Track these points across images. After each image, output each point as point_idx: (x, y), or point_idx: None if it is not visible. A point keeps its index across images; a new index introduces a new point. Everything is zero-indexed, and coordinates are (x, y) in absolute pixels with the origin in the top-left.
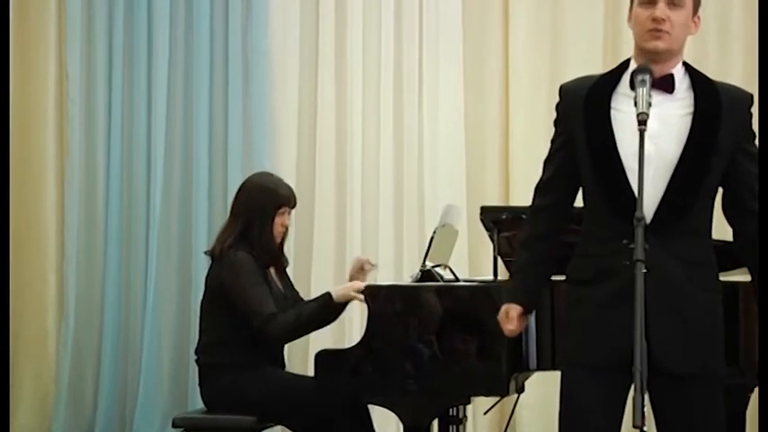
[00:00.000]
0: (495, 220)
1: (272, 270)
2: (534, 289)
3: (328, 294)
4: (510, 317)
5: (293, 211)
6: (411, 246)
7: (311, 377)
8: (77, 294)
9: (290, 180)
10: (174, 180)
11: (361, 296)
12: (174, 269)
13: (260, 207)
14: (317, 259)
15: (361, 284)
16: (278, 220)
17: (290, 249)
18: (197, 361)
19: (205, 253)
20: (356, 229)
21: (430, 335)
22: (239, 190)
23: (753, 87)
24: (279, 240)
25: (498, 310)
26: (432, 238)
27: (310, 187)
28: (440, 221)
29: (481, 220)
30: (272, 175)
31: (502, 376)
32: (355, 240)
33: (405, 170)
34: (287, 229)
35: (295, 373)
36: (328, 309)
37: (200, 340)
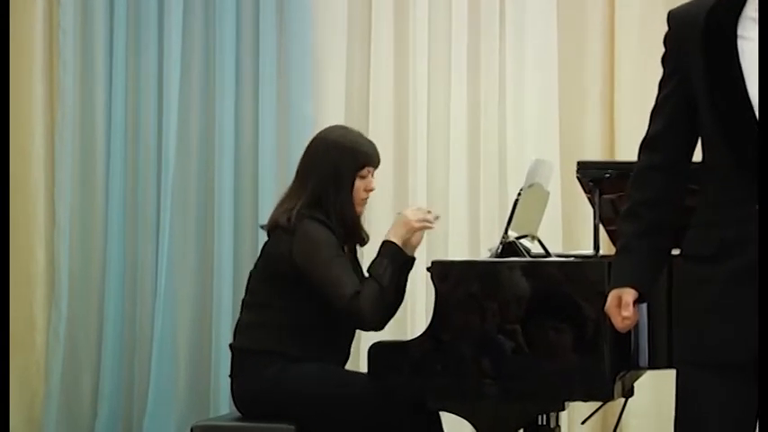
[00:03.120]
0: (597, 178)
1: (345, 248)
2: (649, 268)
3: (395, 246)
4: (624, 302)
5: None
6: (489, 212)
7: (364, 374)
8: (71, 274)
9: None
10: (192, 131)
11: (433, 225)
12: (192, 242)
13: (334, 170)
14: (372, 231)
15: (418, 214)
16: (360, 184)
17: None
18: (232, 345)
19: (262, 227)
20: (420, 192)
21: (513, 324)
22: (307, 148)
23: None
24: (360, 209)
25: (600, 291)
26: (516, 201)
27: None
28: (526, 181)
29: (578, 178)
30: (347, 128)
31: (604, 376)
32: (419, 206)
33: (482, 118)
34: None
35: (350, 370)
36: (403, 263)
37: (241, 318)
